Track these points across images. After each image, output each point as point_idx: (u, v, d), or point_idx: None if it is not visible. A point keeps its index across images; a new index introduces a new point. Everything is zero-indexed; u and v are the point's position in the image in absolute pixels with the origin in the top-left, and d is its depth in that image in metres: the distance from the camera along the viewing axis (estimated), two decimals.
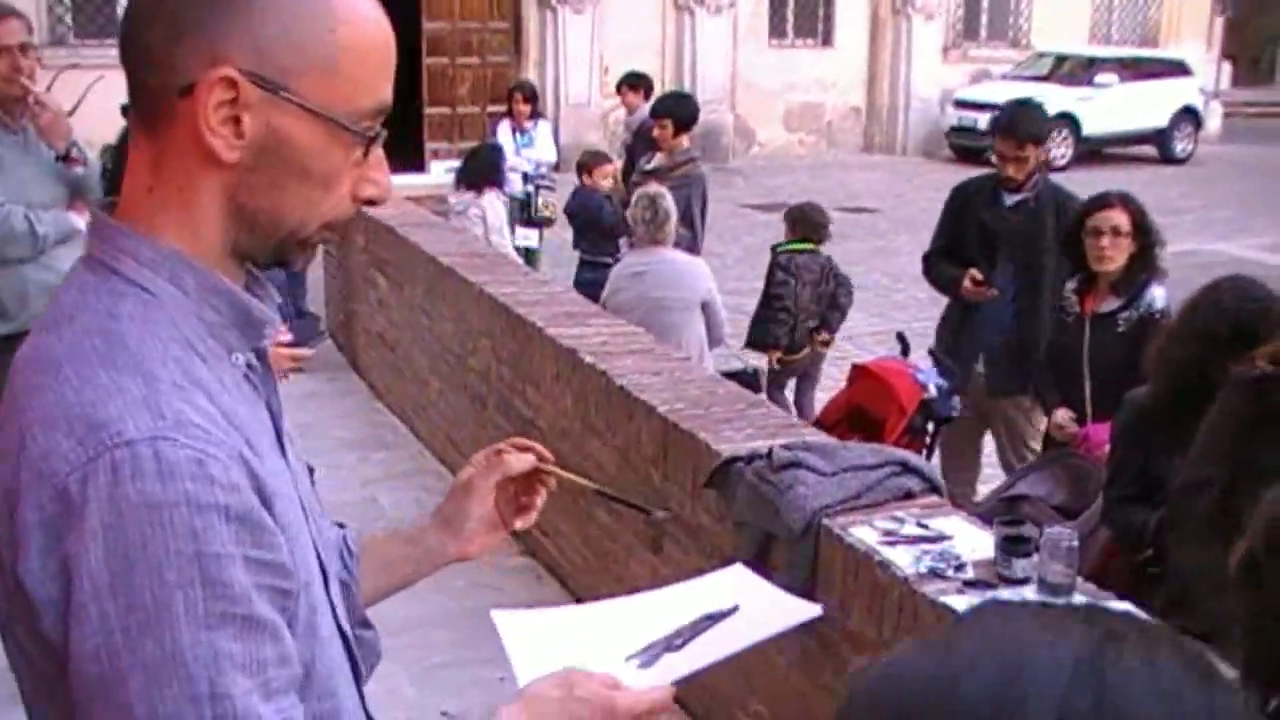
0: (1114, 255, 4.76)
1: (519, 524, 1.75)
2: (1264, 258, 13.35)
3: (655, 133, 7.97)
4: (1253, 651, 1.46)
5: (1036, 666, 0.66)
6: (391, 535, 1.77)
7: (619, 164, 8.92)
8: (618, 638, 1.76)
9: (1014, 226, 5.35)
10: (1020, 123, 5.28)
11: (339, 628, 1.39)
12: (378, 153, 1.31)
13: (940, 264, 5.61)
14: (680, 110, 8.02)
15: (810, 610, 1.85)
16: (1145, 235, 4.78)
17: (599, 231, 8.33)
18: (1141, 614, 0.62)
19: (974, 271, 5.30)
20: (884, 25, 22.38)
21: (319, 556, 1.35)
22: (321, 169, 1.26)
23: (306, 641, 1.27)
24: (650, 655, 1.70)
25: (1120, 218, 4.77)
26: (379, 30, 1.28)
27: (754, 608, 1.84)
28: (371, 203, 1.33)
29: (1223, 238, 14.88)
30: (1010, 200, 5.36)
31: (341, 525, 1.68)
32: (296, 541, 1.26)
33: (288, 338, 3.78)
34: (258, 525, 1.17)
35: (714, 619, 1.79)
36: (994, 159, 5.40)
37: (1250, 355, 3.53)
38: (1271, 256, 13.59)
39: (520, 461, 1.71)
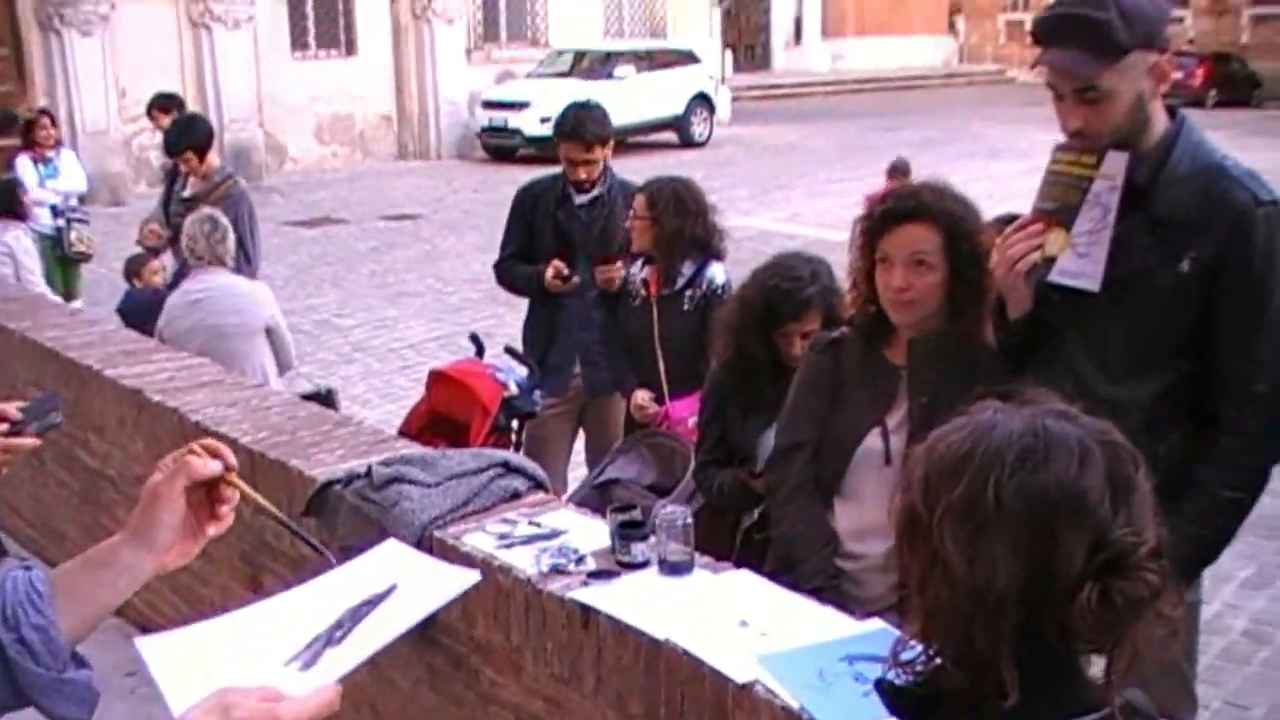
0: (638, 236, 5.00)
1: (212, 530, 1.69)
2: (784, 228, 14.26)
3: (183, 168, 7.44)
4: (930, 605, 1.51)
5: None
6: (82, 562, 1.66)
7: (158, 206, 8.33)
8: (274, 642, 1.66)
9: (588, 224, 5.43)
10: (586, 125, 5.33)
11: None
12: None
13: (515, 267, 5.62)
14: (196, 137, 7.42)
15: (470, 576, 1.80)
16: (658, 217, 4.95)
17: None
18: None
19: (558, 263, 5.33)
20: (406, 31, 22.38)
21: None
22: None
23: None
24: (311, 654, 1.61)
25: (639, 200, 5.00)
26: None
27: (413, 583, 1.77)
28: None
29: (747, 213, 15.76)
30: (581, 199, 5.43)
31: (28, 567, 1.60)
32: None
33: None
34: None
35: (373, 602, 1.71)
36: (562, 163, 5.41)
37: (784, 331, 3.77)
38: (790, 226, 14.52)
39: (205, 467, 1.65)
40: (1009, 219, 2.94)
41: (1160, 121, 2.80)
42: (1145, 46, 2.69)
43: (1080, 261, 2.74)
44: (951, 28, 47.23)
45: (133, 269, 8.26)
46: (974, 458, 1.48)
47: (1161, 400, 2.76)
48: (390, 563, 1.88)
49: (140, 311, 7.27)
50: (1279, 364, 2.75)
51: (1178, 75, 36.58)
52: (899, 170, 11.44)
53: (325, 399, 6.12)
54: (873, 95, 35.81)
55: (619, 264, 5.21)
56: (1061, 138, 2.80)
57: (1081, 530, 1.44)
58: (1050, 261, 2.77)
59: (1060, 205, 2.77)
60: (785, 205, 16.80)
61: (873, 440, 3.11)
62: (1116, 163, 2.70)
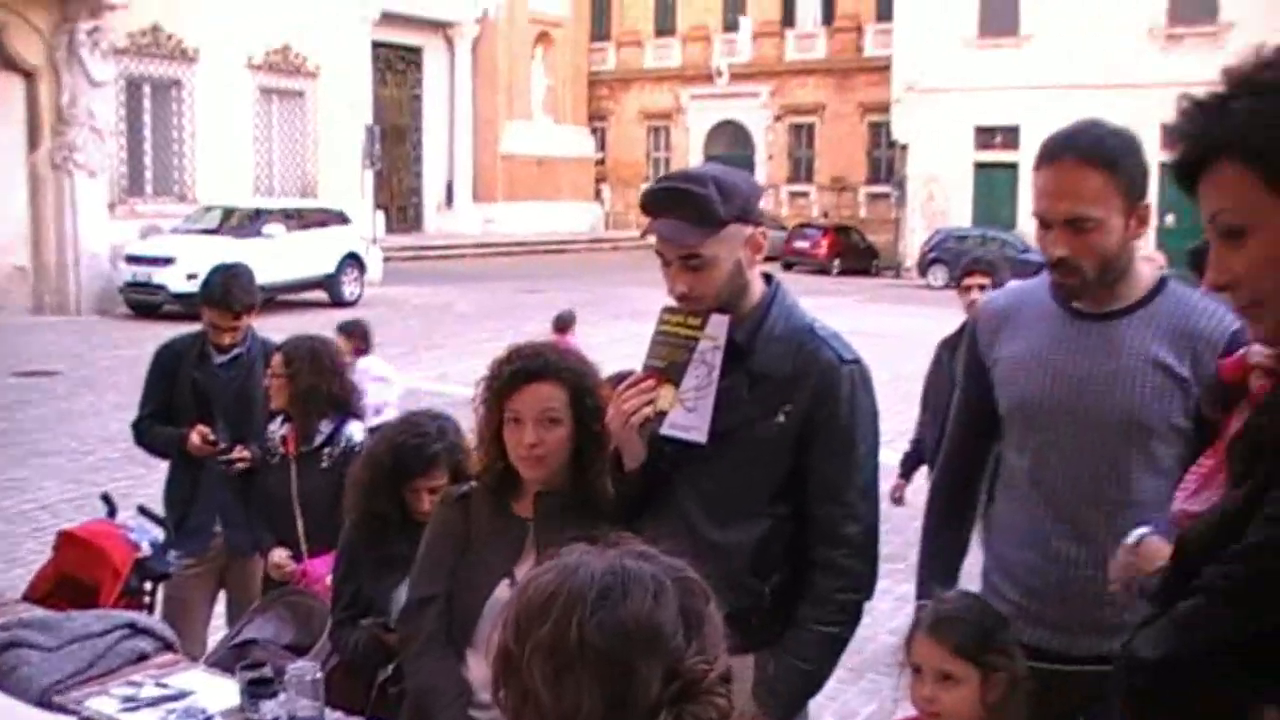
0: (275, 394, 5.03)
1: None
2: (433, 387, 14.36)
3: None
4: None
5: None
6: None
7: None
8: None
9: (226, 383, 5.41)
10: (234, 294, 5.32)
11: None
12: None
13: (155, 428, 5.52)
14: None
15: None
16: (294, 375, 5.00)
17: None
18: None
19: (203, 428, 5.27)
20: (44, 182, 21.61)
21: None
22: None
23: None
24: None
25: (275, 359, 5.05)
26: None
27: None
28: None
29: (397, 371, 15.78)
30: (221, 358, 5.41)
31: None
32: None
33: None
34: None
35: None
36: (205, 325, 5.39)
37: (412, 487, 3.86)
38: (439, 385, 14.62)
39: None
40: (623, 376, 3.14)
41: (758, 287, 3.06)
42: (741, 220, 2.95)
43: (688, 415, 2.95)
44: (598, 195, 49.10)
45: None
46: (559, 597, 1.56)
47: (764, 543, 2.97)
48: None
49: None
50: (867, 507, 3.03)
51: (804, 245, 39.03)
52: (565, 321, 11.87)
53: None
54: (522, 258, 36.75)
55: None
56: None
57: (657, 661, 1.53)
58: (662, 415, 2.97)
59: (669, 363, 2.98)
60: (435, 365, 16.95)
61: (502, 591, 3.19)
62: (719, 325, 2.94)
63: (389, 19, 34.54)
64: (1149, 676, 1.81)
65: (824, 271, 36.05)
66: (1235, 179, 1.76)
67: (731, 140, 48.32)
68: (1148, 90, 27.86)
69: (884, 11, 42.80)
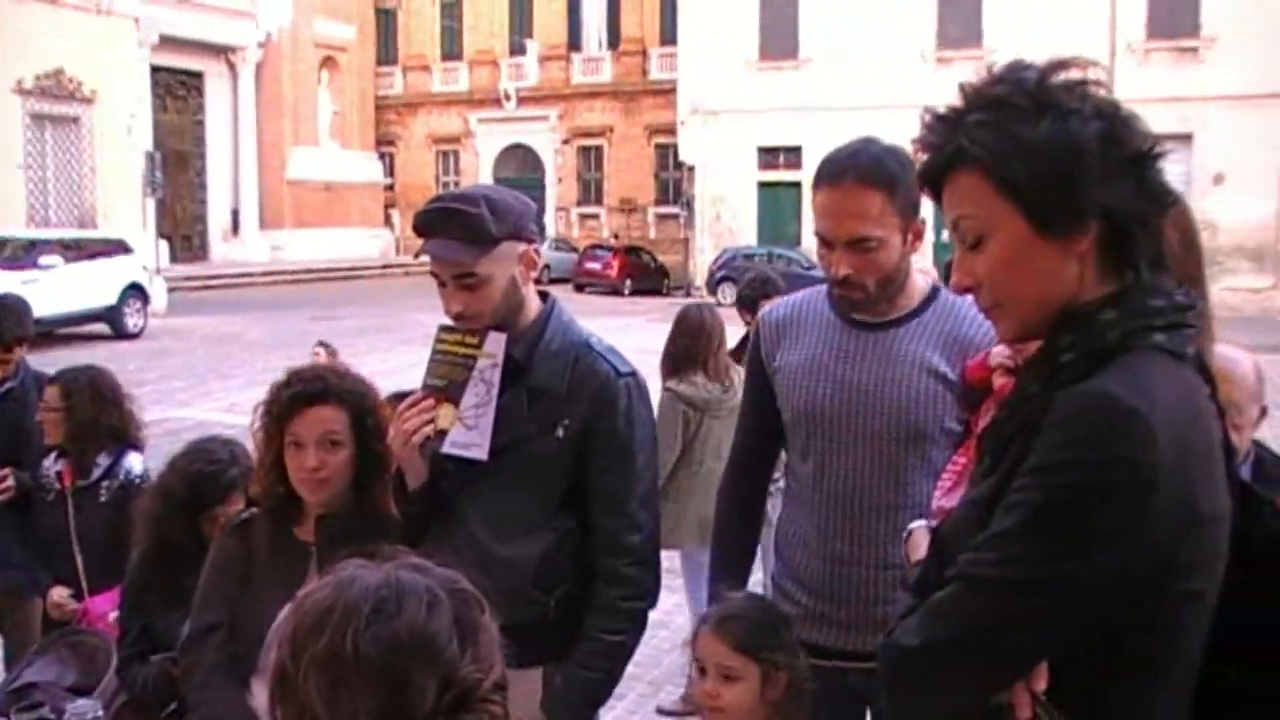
0: (50, 429, 4.87)
1: None
2: (223, 418, 14.05)
3: None
4: None
5: None
6: None
7: None
8: None
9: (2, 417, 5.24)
10: (4, 325, 5.19)
11: None
12: None
13: None
14: None
15: None
16: (73, 407, 4.88)
17: None
18: None
19: None
20: None
21: None
22: None
23: None
24: None
25: (50, 392, 4.89)
26: None
27: None
28: None
29: (185, 404, 15.46)
30: None
31: None
32: None
33: None
34: None
35: None
36: None
37: (209, 515, 3.81)
38: (229, 416, 14.30)
39: None
40: (403, 395, 3.16)
41: (534, 304, 3.12)
42: (514, 237, 3.00)
43: (469, 433, 2.99)
44: (387, 220, 48.64)
45: None
46: (335, 610, 1.57)
47: (548, 556, 3.01)
48: None
49: None
50: (647, 516, 3.09)
51: (596, 266, 39.19)
52: (325, 346, 11.99)
53: None
54: (312, 285, 36.23)
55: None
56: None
57: (432, 671, 1.55)
58: (442, 434, 3.00)
59: (449, 382, 3.02)
60: (224, 395, 16.59)
61: None
62: (496, 342, 2.99)
63: (168, 43, 33.73)
64: (908, 664, 1.89)
65: (616, 292, 36.36)
66: (973, 186, 1.87)
67: (521, 163, 48.44)
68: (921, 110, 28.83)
69: (668, 35, 43.50)
